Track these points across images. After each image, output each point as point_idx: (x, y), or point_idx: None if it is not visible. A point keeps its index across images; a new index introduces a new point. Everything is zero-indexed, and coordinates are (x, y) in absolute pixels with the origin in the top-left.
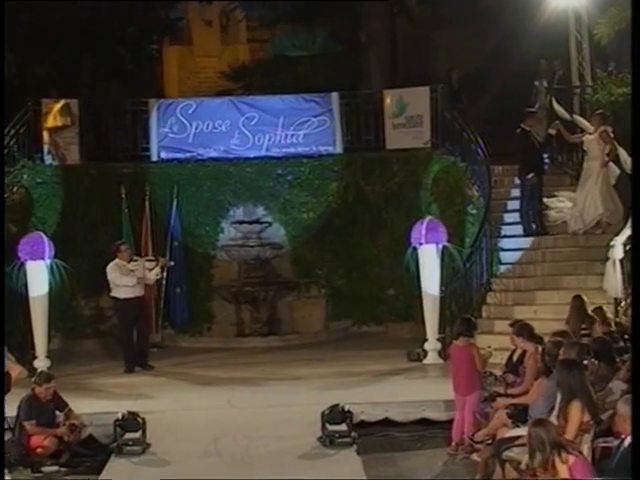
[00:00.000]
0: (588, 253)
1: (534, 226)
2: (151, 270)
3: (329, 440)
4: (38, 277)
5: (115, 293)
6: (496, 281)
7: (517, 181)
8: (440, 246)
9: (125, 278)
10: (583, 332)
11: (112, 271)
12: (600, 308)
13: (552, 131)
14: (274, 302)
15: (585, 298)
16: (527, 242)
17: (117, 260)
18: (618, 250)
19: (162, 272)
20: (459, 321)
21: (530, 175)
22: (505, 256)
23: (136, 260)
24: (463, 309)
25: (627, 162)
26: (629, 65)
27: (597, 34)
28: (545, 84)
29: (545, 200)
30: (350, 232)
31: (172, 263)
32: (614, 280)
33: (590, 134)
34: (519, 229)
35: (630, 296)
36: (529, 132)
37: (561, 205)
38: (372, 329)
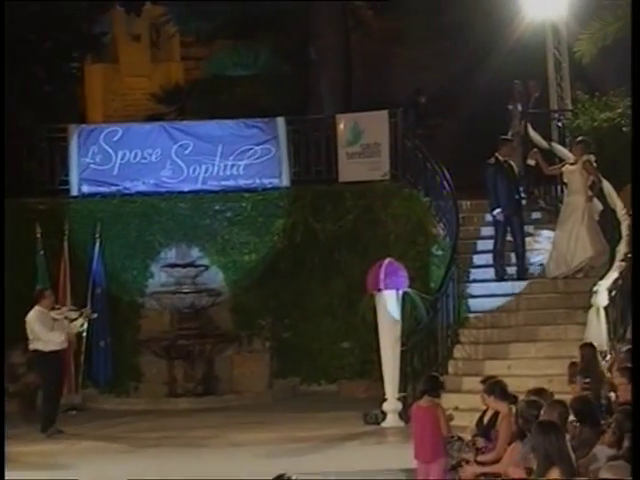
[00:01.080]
0: (568, 300)
1: (510, 269)
2: (72, 321)
3: None
4: None
5: (37, 345)
6: (464, 332)
7: (488, 218)
8: (401, 292)
9: (52, 333)
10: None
11: (35, 321)
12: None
13: (531, 162)
14: (211, 357)
15: (596, 345)
16: (500, 288)
17: (39, 308)
18: (602, 296)
19: (85, 324)
20: (423, 378)
21: (497, 211)
22: (475, 303)
23: (59, 308)
24: (427, 364)
25: (612, 196)
26: (614, 87)
27: (578, 51)
28: (519, 108)
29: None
30: (298, 277)
31: (95, 315)
32: (598, 330)
33: (571, 164)
34: (490, 273)
35: (617, 349)
36: (504, 162)
37: (538, 246)
38: (323, 388)
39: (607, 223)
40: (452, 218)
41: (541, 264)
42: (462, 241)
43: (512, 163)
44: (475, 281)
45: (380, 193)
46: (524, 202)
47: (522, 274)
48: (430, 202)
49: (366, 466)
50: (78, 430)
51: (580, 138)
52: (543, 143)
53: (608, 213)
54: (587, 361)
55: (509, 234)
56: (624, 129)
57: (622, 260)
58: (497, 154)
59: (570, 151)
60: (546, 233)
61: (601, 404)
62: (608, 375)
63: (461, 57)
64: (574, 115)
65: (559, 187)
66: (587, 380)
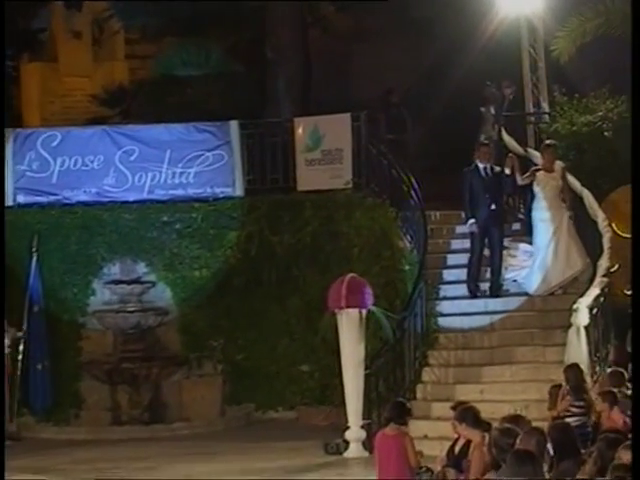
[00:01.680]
0: (546, 319)
1: (483, 286)
2: None
3: None
4: None
5: None
6: (434, 354)
7: (459, 230)
8: (364, 311)
9: None
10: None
11: None
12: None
13: (508, 169)
14: (158, 382)
15: (582, 367)
16: (472, 305)
17: None
18: (583, 315)
19: (14, 345)
20: (388, 404)
21: (470, 222)
22: (445, 323)
23: None
24: (393, 389)
25: (592, 207)
26: (594, 88)
27: (555, 50)
28: (493, 111)
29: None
30: (253, 294)
31: (20, 334)
32: (578, 352)
33: (547, 171)
34: (462, 289)
35: (599, 372)
36: (484, 169)
37: (514, 261)
38: (280, 414)
39: (587, 236)
40: (420, 230)
41: (515, 280)
42: (431, 255)
43: (495, 168)
44: (445, 298)
45: (342, 203)
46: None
47: (496, 291)
48: (396, 213)
49: None
50: (13, 462)
51: (548, 141)
52: (518, 149)
53: (589, 225)
54: (576, 384)
55: (486, 247)
56: (605, 134)
57: (604, 275)
58: (476, 160)
59: (541, 156)
60: (523, 246)
61: (587, 432)
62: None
63: (430, 55)
64: (551, 119)
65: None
66: (581, 403)
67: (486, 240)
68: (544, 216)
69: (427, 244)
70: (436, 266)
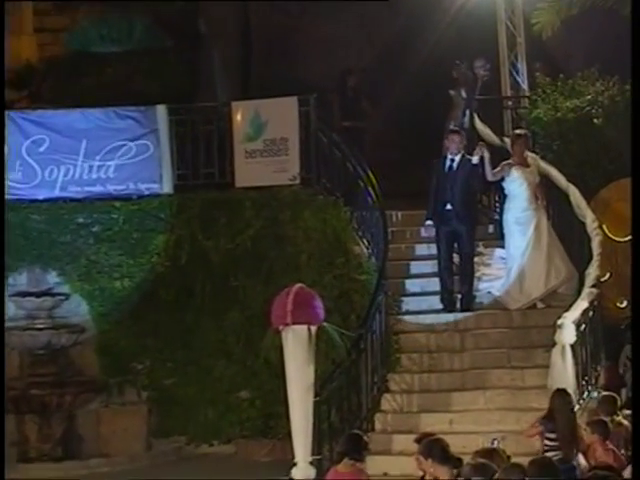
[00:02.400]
0: (526, 336)
1: (452, 298)
2: None
3: None
4: None
5: None
6: (395, 378)
7: (426, 233)
8: (314, 328)
9: None
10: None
11: None
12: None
13: (476, 159)
14: (72, 411)
15: (571, 393)
16: (440, 321)
17: None
18: (568, 332)
19: None
20: (343, 437)
21: (427, 223)
22: (408, 341)
23: None
24: (348, 419)
25: (580, 206)
26: (582, 68)
27: (537, 23)
28: (464, 94)
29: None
30: (184, 308)
31: None
32: (563, 375)
33: (521, 165)
34: (428, 302)
35: (587, 398)
36: (460, 160)
37: (487, 270)
38: (216, 449)
39: (574, 240)
40: (379, 233)
41: (489, 291)
42: (392, 262)
43: (466, 161)
44: (408, 313)
45: (288, 201)
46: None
47: (468, 304)
48: (352, 213)
49: None
50: None
51: (518, 131)
52: (493, 138)
53: (575, 227)
54: (558, 412)
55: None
56: (595, 120)
57: (593, 286)
58: (445, 150)
59: (511, 146)
60: (500, 252)
61: (573, 466)
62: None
63: (392, 31)
64: (532, 103)
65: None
66: (552, 435)
67: (456, 245)
68: (519, 218)
69: (387, 249)
70: (398, 275)
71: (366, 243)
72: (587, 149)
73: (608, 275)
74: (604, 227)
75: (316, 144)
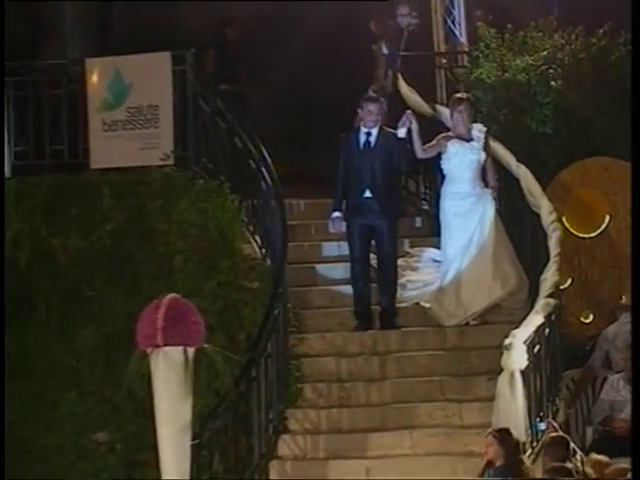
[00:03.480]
0: (464, 361)
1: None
2: None
3: None
4: None
5: None
6: (296, 414)
7: (334, 228)
8: (192, 350)
9: None
10: None
11: None
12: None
13: (402, 131)
14: None
15: (514, 433)
16: (353, 341)
17: None
18: (518, 354)
19: None
20: None
21: (334, 215)
22: (313, 367)
23: None
24: (235, 468)
25: (534, 193)
26: (537, 16)
27: None
28: (385, 49)
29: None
30: (23, 325)
31: None
32: (512, 410)
33: (461, 138)
34: (339, 316)
35: (544, 440)
36: (362, 136)
37: (415, 276)
38: None
39: (525, 236)
40: (276, 228)
41: (417, 303)
42: (293, 266)
43: (385, 135)
44: (314, 330)
45: (159, 187)
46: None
47: (390, 319)
48: (240, 202)
49: None
50: None
51: (460, 95)
52: (423, 106)
53: (527, 220)
54: (504, 458)
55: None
56: (553, 83)
57: (550, 296)
58: (359, 119)
59: (451, 116)
60: (431, 253)
61: None
62: None
63: None
64: (473, 61)
65: None
66: None
67: (374, 243)
68: (459, 207)
69: (287, 249)
70: (301, 282)
71: (259, 241)
72: (543, 119)
73: (569, 282)
74: (564, 220)
75: (195, 113)
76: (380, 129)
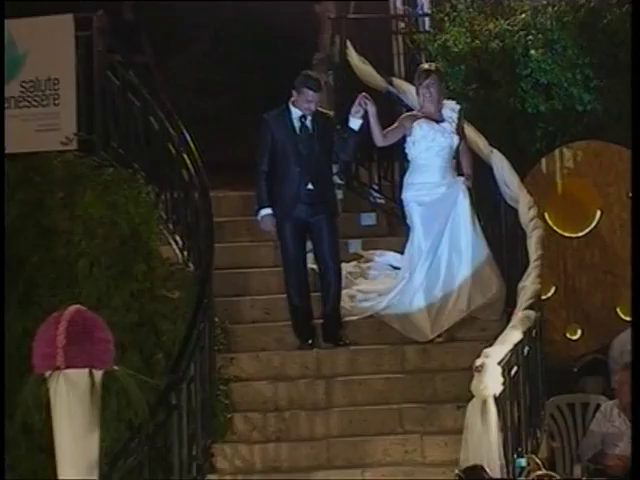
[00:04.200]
0: (427, 385)
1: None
2: None
3: None
4: None
5: None
6: (225, 450)
7: (264, 227)
8: (99, 372)
9: None
10: None
11: None
12: None
13: (356, 122)
14: None
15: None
16: (292, 362)
17: None
18: (492, 377)
19: None
20: None
21: (263, 213)
22: (245, 393)
23: None
24: None
25: (509, 184)
26: None
27: None
28: (331, 12)
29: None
30: None
31: None
32: (485, 443)
33: (429, 118)
34: (275, 332)
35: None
36: (295, 119)
37: (366, 285)
38: None
39: (500, 235)
40: (201, 225)
41: (371, 315)
42: (221, 272)
43: (327, 115)
44: (246, 349)
45: (59, 177)
46: (340, 194)
47: (334, 333)
48: (157, 195)
49: None
50: None
51: (428, 65)
52: (377, 78)
53: (500, 215)
54: None
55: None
56: (533, 52)
57: (530, 307)
58: (292, 101)
59: (417, 91)
60: (387, 256)
61: None
62: None
63: None
64: (437, 25)
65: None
66: None
67: (310, 244)
68: (425, 198)
69: (213, 251)
70: (230, 291)
71: (180, 241)
72: (520, 95)
73: (553, 290)
74: (546, 216)
75: (103, 89)
76: (315, 111)
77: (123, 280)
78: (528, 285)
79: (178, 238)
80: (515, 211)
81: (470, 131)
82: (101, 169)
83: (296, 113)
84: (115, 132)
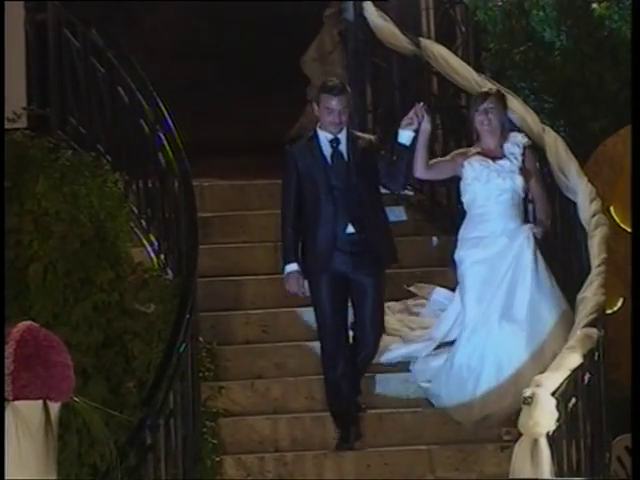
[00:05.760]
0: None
1: None
2: None
3: None
4: None
5: None
6: None
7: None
8: (57, 405)
9: None
10: None
11: None
12: None
13: (407, 135)
14: None
15: None
16: (298, 391)
17: None
18: (545, 411)
19: None
20: None
21: (289, 269)
22: (238, 430)
23: None
24: None
25: (566, 171)
26: None
27: None
28: None
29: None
30: None
31: None
32: None
33: (493, 156)
34: (269, 356)
35: None
36: (324, 145)
37: (406, 329)
38: None
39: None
40: (181, 222)
41: (409, 370)
42: (207, 279)
43: (365, 137)
44: (239, 376)
45: (12, 164)
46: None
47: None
48: (127, 183)
49: None
50: None
51: (487, 88)
52: (401, 39)
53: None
54: None
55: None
56: (595, 5)
57: (591, 323)
58: (308, 124)
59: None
60: (444, 295)
61: None
62: None
63: None
64: None
65: None
66: None
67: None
68: (481, 255)
69: (197, 254)
70: (219, 303)
71: (156, 242)
72: (580, 59)
73: (620, 302)
74: (612, 211)
75: (60, 55)
76: (348, 132)
77: (85, 290)
78: (589, 296)
79: (153, 238)
80: (573, 204)
81: (516, 104)
82: (57, 152)
83: (325, 138)
84: (75, 106)
